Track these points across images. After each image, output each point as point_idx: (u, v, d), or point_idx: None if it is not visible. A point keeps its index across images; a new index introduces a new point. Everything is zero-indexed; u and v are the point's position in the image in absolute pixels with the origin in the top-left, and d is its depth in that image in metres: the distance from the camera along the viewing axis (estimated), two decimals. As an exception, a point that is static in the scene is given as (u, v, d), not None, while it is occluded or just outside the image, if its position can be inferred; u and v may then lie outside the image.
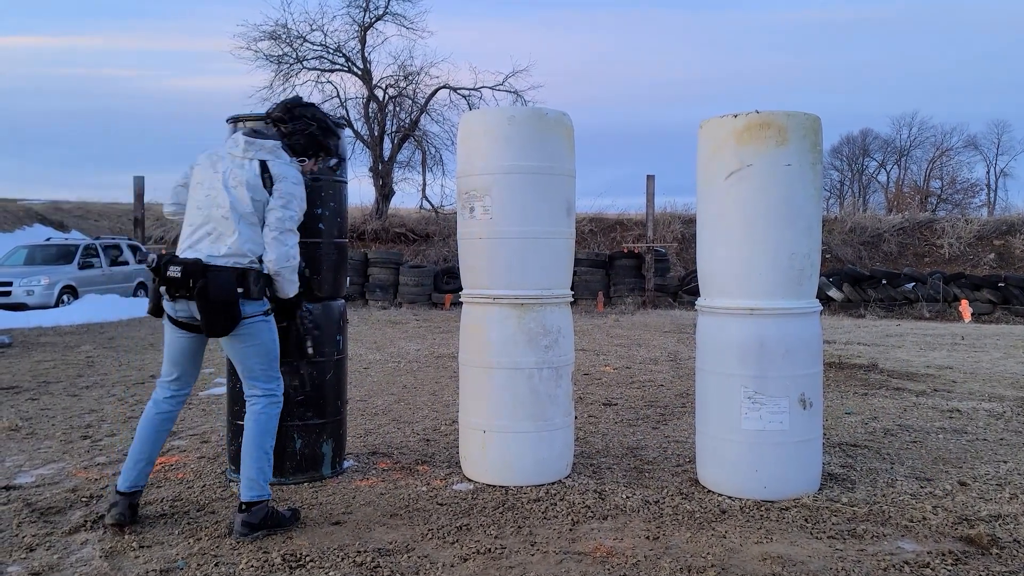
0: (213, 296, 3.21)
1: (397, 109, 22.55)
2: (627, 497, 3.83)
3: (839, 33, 63.00)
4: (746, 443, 3.84)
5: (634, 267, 19.11)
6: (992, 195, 39.68)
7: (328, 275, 4.14)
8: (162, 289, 3.32)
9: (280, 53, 21.80)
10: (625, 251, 19.56)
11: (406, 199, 27.22)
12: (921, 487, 4.02)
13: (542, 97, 23.89)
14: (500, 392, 4.02)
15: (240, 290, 3.27)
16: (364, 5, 22.13)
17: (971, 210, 34.23)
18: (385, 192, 22.39)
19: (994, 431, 5.34)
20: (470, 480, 4.11)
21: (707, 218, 4.06)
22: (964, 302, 16.83)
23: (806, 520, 3.53)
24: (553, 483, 4.05)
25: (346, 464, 4.34)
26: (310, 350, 3.88)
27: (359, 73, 22.37)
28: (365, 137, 22.41)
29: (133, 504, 3.40)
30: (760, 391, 3.82)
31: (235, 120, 4.05)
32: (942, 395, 6.75)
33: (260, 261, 3.36)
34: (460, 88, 22.07)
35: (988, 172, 40.58)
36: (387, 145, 22.68)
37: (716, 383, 3.96)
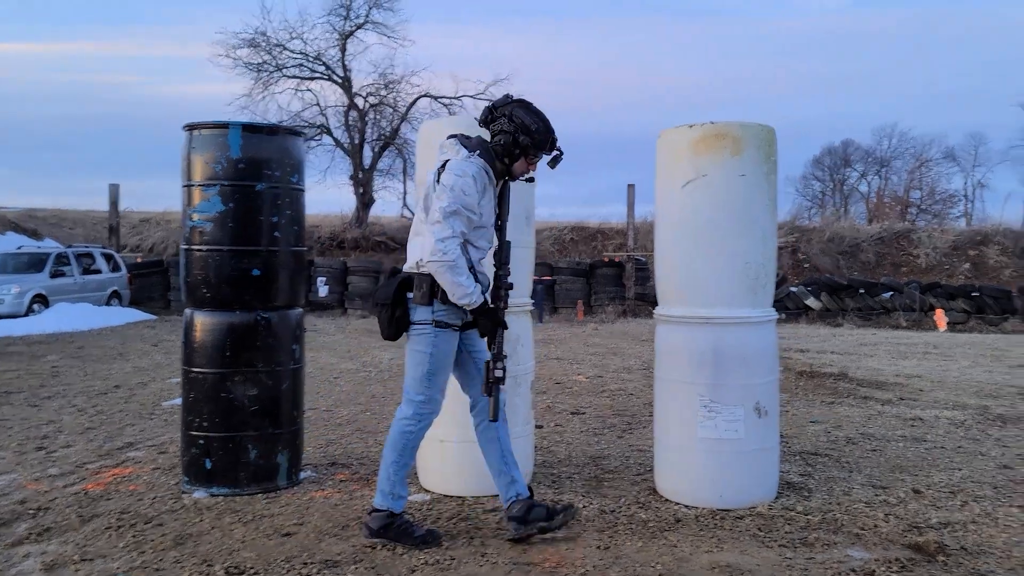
0: (377, 299, 3.34)
1: (378, 117, 22.59)
2: (584, 507, 3.82)
3: (824, 43, 63.71)
4: (702, 452, 3.85)
5: (615, 276, 19.18)
6: (970, 206, 40.10)
7: (285, 284, 4.12)
8: None
9: (260, 61, 21.77)
10: (606, 260, 19.64)
11: (387, 207, 27.14)
12: (876, 495, 4.04)
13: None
14: (458, 401, 3.98)
15: (410, 295, 3.28)
16: (345, 14, 22.19)
17: (949, 220, 34.63)
18: (365, 200, 22.37)
19: (953, 439, 5.38)
20: (427, 491, 4.09)
21: (665, 227, 4.08)
22: (939, 311, 17.01)
23: (759, 529, 3.54)
24: (511, 493, 4.03)
25: (303, 475, 4.31)
26: (499, 373, 3.28)
27: (339, 81, 22.38)
28: (345, 145, 22.39)
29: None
30: (716, 399, 3.82)
31: (191, 128, 4.04)
32: (907, 404, 6.80)
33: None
34: (441, 97, 22.15)
35: (965, 183, 41.03)
36: (367, 153, 22.69)
37: (673, 392, 3.97)
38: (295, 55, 22.12)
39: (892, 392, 7.43)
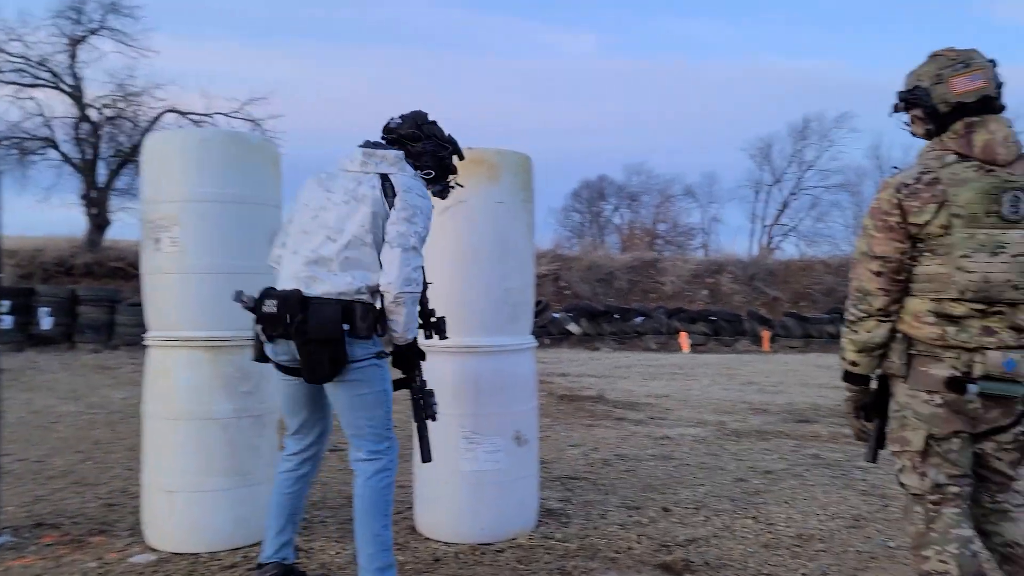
0: (313, 334, 2.70)
1: (115, 132, 20.53)
2: (336, 553, 3.55)
3: (578, 84, 68.32)
4: (463, 485, 3.73)
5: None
6: (706, 238, 44.46)
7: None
8: (257, 328, 2.82)
9: (-33, 63, 18.99)
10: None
11: (125, 230, 24.36)
12: (629, 516, 4.13)
13: (284, 127, 22.94)
14: (189, 446, 3.55)
15: (346, 327, 2.72)
16: (75, 17, 20.00)
17: (690, 251, 38.09)
18: (99, 222, 20.18)
19: (696, 455, 5.72)
20: (154, 549, 3.58)
21: (424, 253, 3.94)
22: (683, 334, 18.58)
23: (519, 561, 3.47)
24: (255, 544, 3.62)
25: (-4, 542, 3.60)
26: (435, 408, 3.06)
27: (68, 90, 20.07)
28: (75, 161, 20.12)
29: None
30: (476, 430, 3.73)
31: None
32: (657, 423, 7.20)
33: (371, 293, 2.80)
34: (190, 113, 20.55)
35: (702, 218, 45.47)
36: (102, 171, 20.55)
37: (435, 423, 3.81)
38: (13, 59, 19.51)
39: (643, 412, 7.85)
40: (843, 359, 2.46)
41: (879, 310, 2.33)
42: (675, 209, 45.35)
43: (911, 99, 2.38)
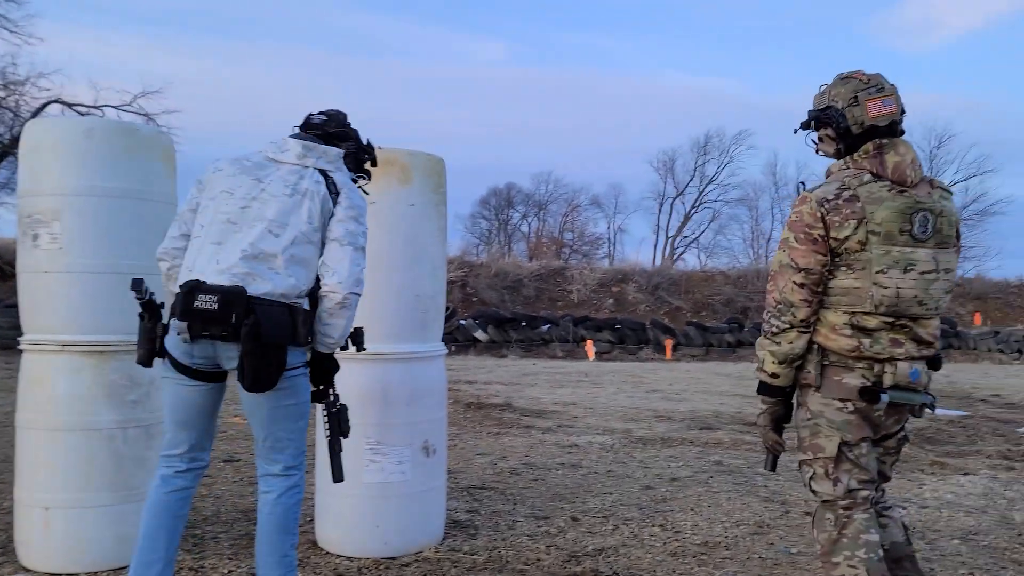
0: (267, 339, 2.42)
1: (-6, 122, 19.35)
2: (229, 572, 3.34)
3: (487, 93, 68.62)
4: (367, 497, 3.59)
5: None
6: (612, 248, 45.31)
7: None
8: (181, 326, 2.46)
9: None
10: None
11: (3, 227, 22.71)
12: (538, 526, 4.07)
13: (180, 123, 21.98)
14: (69, 459, 3.28)
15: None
16: (-47, 1, 18.72)
17: (596, 260, 38.77)
18: (-25, 218, 18.94)
19: (604, 463, 5.73)
20: (27, 570, 3.31)
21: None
22: (589, 342, 18.82)
23: (425, 575, 3.35)
24: (140, 565, 3.39)
25: None
26: (348, 424, 2.85)
27: (-59, 78, 18.79)
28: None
29: None
30: (383, 440, 3.60)
31: None
32: (565, 431, 7.20)
33: (307, 296, 2.60)
34: (77, 104, 19.50)
35: (608, 227, 46.31)
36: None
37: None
38: None
39: (551, 420, 7.85)
40: (762, 371, 2.43)
41: (802, 321, 2.34)
42: (582, 219, 46.11)
43: (824, 118, 2.42)
